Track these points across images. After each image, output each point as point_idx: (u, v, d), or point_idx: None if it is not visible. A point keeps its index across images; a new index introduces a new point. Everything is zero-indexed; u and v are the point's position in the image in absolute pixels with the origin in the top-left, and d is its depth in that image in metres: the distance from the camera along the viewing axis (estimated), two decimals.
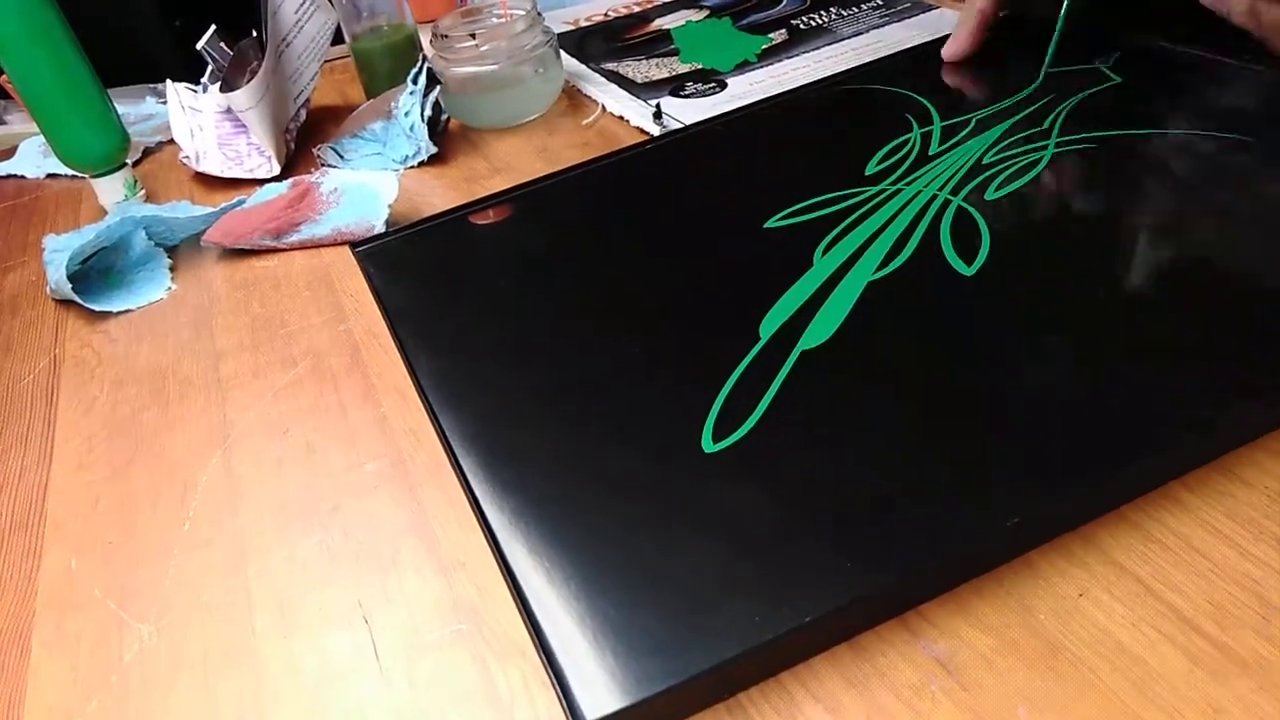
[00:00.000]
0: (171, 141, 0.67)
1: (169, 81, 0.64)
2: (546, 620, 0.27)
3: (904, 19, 0.68)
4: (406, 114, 0.60)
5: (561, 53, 0.66)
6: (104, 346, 0.48)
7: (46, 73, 0.54)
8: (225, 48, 0.63)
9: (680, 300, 0.40)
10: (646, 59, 0.69)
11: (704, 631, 0.26)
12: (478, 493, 0.32)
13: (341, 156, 0.62)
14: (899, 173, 0.46)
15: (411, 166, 0.60)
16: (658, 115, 0.59)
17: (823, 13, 0.71)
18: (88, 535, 0.36)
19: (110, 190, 0.59)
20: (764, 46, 0.67)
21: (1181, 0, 0.45)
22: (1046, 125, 0.47)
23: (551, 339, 0.40)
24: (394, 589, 0.31)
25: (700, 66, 0.66)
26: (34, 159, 0.72)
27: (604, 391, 0.36)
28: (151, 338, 0.47)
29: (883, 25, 0.67)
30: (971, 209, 0.42)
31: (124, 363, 0.46)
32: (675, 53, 0.69)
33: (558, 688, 0.26)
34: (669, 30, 0.73)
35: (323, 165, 0.61)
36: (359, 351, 0.43)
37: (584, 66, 0.70)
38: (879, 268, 0.39)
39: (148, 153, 0.69)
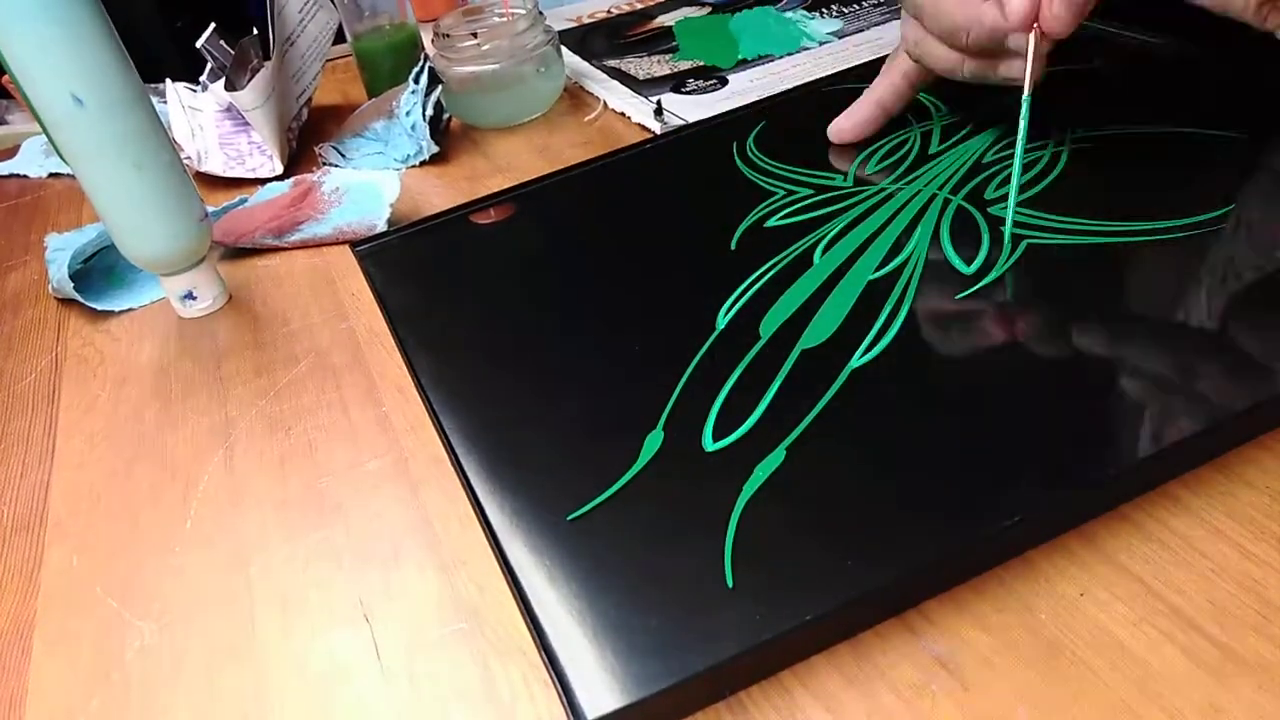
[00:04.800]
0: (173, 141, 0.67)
1: (169, 81, 0.64)
2: (547, 619, 0.27)
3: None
4: (408, 113, 0.60)
5: (563, 50, 0.66)
6: (106, 345, 0.48)
7: None
8: (225, 46, 0.63)
9: (680, 299, 0.40)
10: (648, 55, 0.69)
11: (704, 631, 0.26)
12: (478, 491, 0.32)
13: (343, 155, 0.62)
14: (899, 172, 0.46)
15: (413, 165, 0.60)
16: (659, 112, 0.59)
17: (824, 11, 0.71)
18: (89, 534, 0.36)
19: None
20: None
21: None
22: (1047, 124, 0.47)
23: (552, 338, 0.40)
24: (395, 587, 0.31)
25: (701, 63, 0.66)
26: (36, 158, 0.72)
27: (605, 390, 0.36)
28: (153, 336, 0.48)
29: (884, 23, 0.67)
30: (972, 209, 0.42)
31: (126, 361, 0.46)
32: (676, 49, 0.69)
33: (558, 686, 0.26)
34: (670, 27, 0.73)
35: (324, 164, 0.61)
36: (360, 350, 0.43)
37: (586, 64, 0.70)
38: (879, 267, 0.39)
39: None
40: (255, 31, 0.63)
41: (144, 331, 0.48)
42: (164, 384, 0.44)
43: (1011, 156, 0.39)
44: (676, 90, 0.62)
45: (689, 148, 0.53)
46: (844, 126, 0.49)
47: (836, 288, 0.39)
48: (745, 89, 0.61)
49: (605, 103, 0.63)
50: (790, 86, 0.58)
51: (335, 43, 0.66)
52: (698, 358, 0.36)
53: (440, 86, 0.61)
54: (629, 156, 0.53)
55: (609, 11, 0.80)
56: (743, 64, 0.65)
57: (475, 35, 0.61)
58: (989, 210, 0.41)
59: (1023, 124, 0.39)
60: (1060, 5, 0.35)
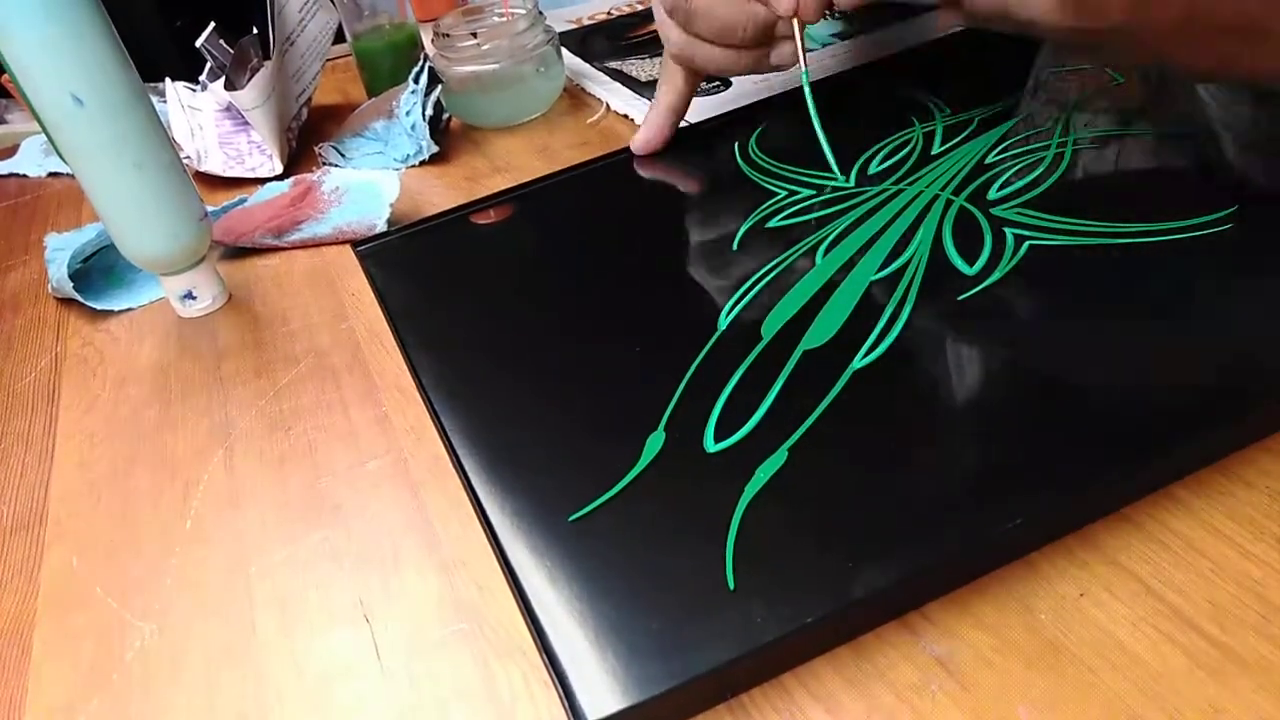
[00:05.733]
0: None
1: (168, 81, 0.64)
2: (548, 620, 0.27)
3: (905, 18, 0.68)
4: (408, 113, 0.60)
5: (563, 51, 0.66)
6: (106, 345, 0.48)
7: None
8: (225, 45, 0.63)
9: (681, 300, 0.40)
10: (650, 57, 0.69)
11: (705, 633, 0.26)
12: (479, 492, 0.32)
13: (343, 155, 0.62)
14: (901, 172, 0.46)
15: (413, 165, 0.60)
16: None
17: (824, 11, 0.71)
18: (89, 534, 0.36)
19: None
20: None
21: None
22: (1049, 125, 0.47)
23: (552, 338, 0.40)
24: (395, 588, 0.31)
25: None
26: (35, 158, 0.72)
27: (606, 390, 0.36)
28: (153, 336, 0.47)
29: (885, 25, 0.67)
30: (974, 209, 0.42)
31: (125, 361, 0.46)
32: None
33: (559, 688, 0.26)
34: None
35: (324, 164, 0.61)
36: (360, 350, 0.43)
37: (587, 65, 0.70)
38: (881, 268, 0.39)
39: None
40: (255, 31, 0.63)
41: (144, 331, 0.48)
42: (164, 384, 0.44)
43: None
44: None
45: (690, 148, 0.53)
46: (644, 139, 0.52)
47: (839, 289, 0.39)
48: (747, 90, 0.61)
49: (608, 105, 0.63)
50: (792, 88, 0.58)
51: (335, 42, 0.66)
52: (699, 358, 0.36)
53: (440, 86, 0.61)
54: (629, 157, 0.53)
55: (609, 13, 0.80)
56: None
57: (475, 35, 0.61)
58: (991, 211, 0.41)
59: (808, 91, 0.47)
60: None
